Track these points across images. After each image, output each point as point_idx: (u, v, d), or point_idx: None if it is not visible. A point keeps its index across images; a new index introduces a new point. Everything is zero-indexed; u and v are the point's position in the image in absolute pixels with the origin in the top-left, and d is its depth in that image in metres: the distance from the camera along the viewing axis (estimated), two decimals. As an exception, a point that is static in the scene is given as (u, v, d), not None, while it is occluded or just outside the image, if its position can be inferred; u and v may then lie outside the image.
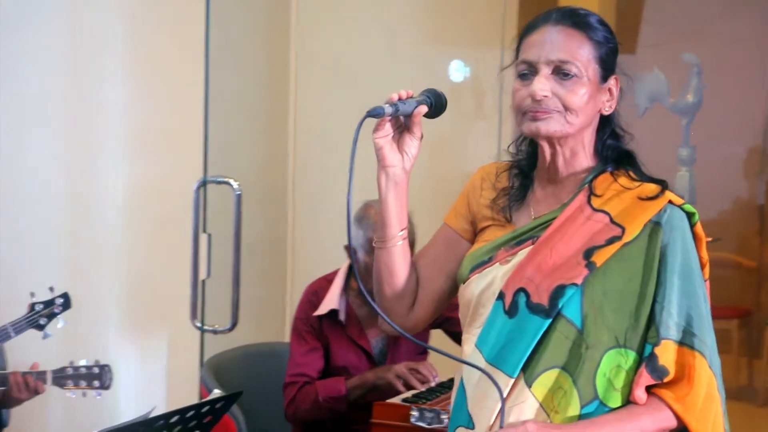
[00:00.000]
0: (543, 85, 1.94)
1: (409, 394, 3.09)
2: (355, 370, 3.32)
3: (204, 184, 3.61)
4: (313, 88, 4.66)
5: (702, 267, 1.99)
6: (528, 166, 2.08)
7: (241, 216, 3.60)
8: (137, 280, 4.10)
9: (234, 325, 3.75)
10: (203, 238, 3.65)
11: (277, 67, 4.69)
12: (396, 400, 3.01)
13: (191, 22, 3.86)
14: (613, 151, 2.03)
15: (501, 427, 1.90)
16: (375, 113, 1.93)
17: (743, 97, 4.85)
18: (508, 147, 2.12)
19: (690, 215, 1.98)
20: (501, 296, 1.96)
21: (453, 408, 2.04)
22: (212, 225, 3.83)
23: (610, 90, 2.00)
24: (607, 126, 2.03)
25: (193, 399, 3.78)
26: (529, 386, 1.92)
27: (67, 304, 3.25)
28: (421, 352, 3.40)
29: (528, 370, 1.93)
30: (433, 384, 3.17)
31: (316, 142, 4.68)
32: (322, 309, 3.34)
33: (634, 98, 4.56)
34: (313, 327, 3.35)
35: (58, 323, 3.24)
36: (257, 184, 4.54)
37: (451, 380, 3.08)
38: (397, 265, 2.06)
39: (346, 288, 3.38)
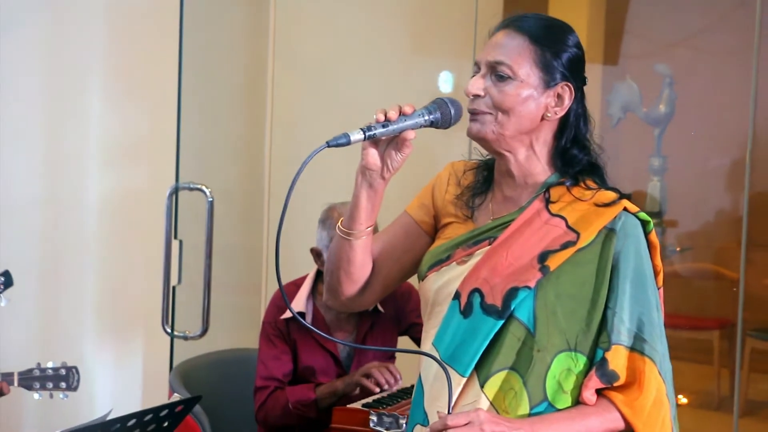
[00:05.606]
0: (474, 83, 1.98)
1: (370, 399, 3.10)
2: (322, 372, 3.32)
3: (176, 190, 3.62)
4: (291, 96, 4.65)
5: (656, 274, 2.00)
6: (495, 167, 2.09)
7: (214, 223, 3.60)
8: (112, 285, 4.11)
9: (205, 331, 3.75)
10: (175, 245, 3.66)
11: (254, 74, 4.69)
12: (356, 405, 3.02)
13: (166, 29, 3.88)
14: (576, 163, 2.01)
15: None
16: (335, 143, 1.86)
17: (729, 110, 4.86)
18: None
19: (645, 223, 1.99)
20: (457, 296, 1.98)
21: (412, 406, 2.06)
22: (187, 232, 3.84)
23: (558, 95, 1.99)
24: (564, 135, 2.02)
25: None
26: (482, 386, 1.94)
27: (8, 282, 3.21)
28: (389, 357, 3.41)
29: (481, 371, 1.94)
30: (395, 389, 3.18)
31: (293, 149, 4.67)
32: (289, 312, 3.34)
33: (608, 108, 4.57)
34: (281, 330, 3.35)
35: (1, 302, 3.22)
36: (233, 192, 4.55)
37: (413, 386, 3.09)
38: (358, 257, 2.06)
39: (313, 292, 3.39)
